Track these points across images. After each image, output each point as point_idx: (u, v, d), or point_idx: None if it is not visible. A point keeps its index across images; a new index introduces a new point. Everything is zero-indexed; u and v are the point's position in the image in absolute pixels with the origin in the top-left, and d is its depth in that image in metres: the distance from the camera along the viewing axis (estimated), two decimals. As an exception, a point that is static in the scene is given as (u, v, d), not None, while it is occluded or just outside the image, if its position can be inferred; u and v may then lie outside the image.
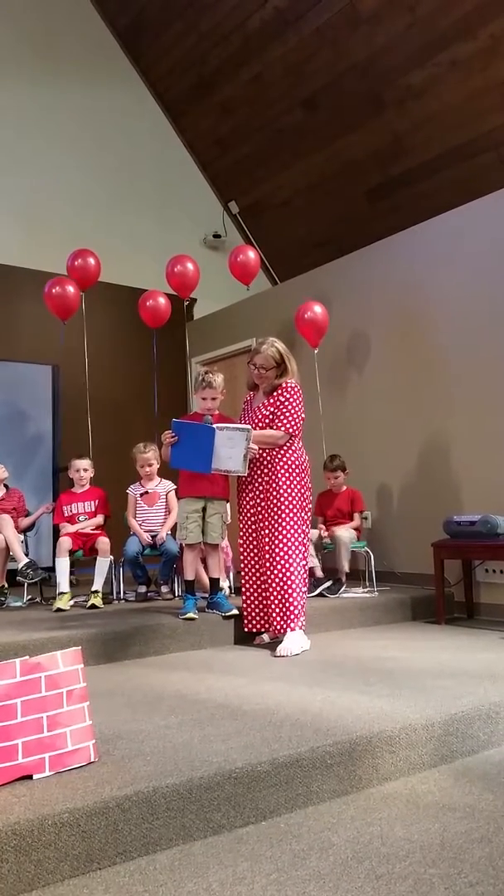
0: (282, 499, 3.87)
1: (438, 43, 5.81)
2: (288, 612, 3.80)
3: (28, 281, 6.39)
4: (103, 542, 4.74)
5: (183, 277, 5.80)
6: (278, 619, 3.83)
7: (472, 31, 5.60)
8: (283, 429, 3.92)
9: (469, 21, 5.58)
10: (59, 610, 4.46)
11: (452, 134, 6.15)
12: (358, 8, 6.05)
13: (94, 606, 4.52)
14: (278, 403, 3.97)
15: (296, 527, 3.88)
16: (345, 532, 5.10)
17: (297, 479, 3.93)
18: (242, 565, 4.05)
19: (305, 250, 7.65)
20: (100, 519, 4.96)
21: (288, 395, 3.97)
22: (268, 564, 3.88)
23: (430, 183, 6.50)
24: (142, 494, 5.02)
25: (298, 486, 3.93)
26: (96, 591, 4.62)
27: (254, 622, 4.01)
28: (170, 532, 4.89)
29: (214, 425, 3.84)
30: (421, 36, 5.87)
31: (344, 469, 5.37)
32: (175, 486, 4.85)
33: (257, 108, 7.30)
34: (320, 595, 4.93)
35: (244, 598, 4.04)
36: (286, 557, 3.83)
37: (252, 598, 4.01)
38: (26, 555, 4.80)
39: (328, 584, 4.99)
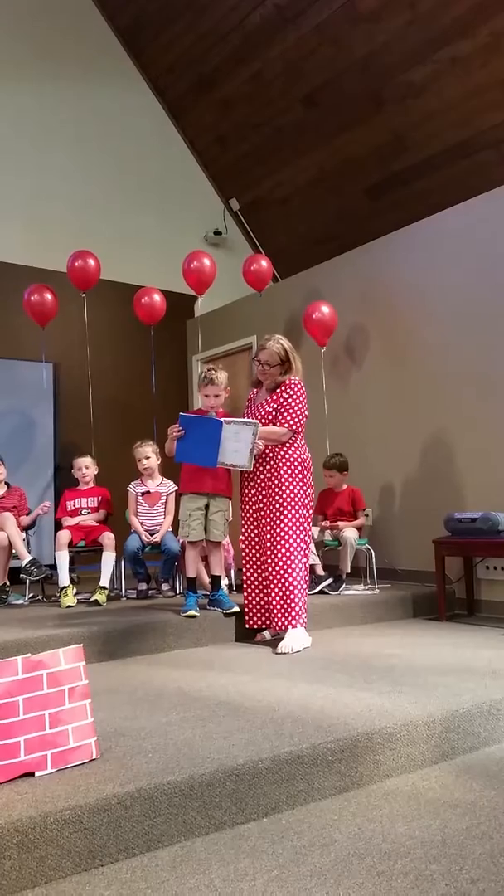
0: (284, 496, 3.88)
1: (439, 40, 5.80)
2: (289, 609, 3.81)
3: (29, 279, 6.39)
4: (108, 537, 4.75)
5: (200, 273, 5.84)
6: (280, 616, 3.83)
7: (473, 28, 5.59)
8: (286, 426, 3.92)
9: (469, 18, 5.56)
10: (69, 607, 4.47)
11: (453, 131, 6.13)
12: (358, 5, 6.04)
13: (95, 602, 4.52)
14: (282, 400, 3.97)
15: (297, 524, 3.88)
16: (351, 532, 5.10)
17: (300, 476, 3.94)
18: (244, 562, 4.06)
19: (306, 247, 7.64)
20: (101, 514, 4.97)
21: (291, 392, 3.98)
22: (269, 561, 3.88)
23: (430, 180, 6.49)
24: (143, 493, 5.02)
25: (300, 484, 3.93)
26: (103, 587, 4.63)
27: (255, 619, 4.02)
28: (170, 529, 4.89)
29: (221, 419, 3.85)
30: (421, 33, 5.85)
31: (341, 469, 5.35)
32: (176, 487, 4.85)
33: (257, 105, 7.29)
34: (321, 592, 4.93)
35: (245, 594, 4.04)
36: (288, 554, 3.83)
37: (253, 594, 4.01)
38: (29, 552, 4.80)
39: (328, 581, 4.99)
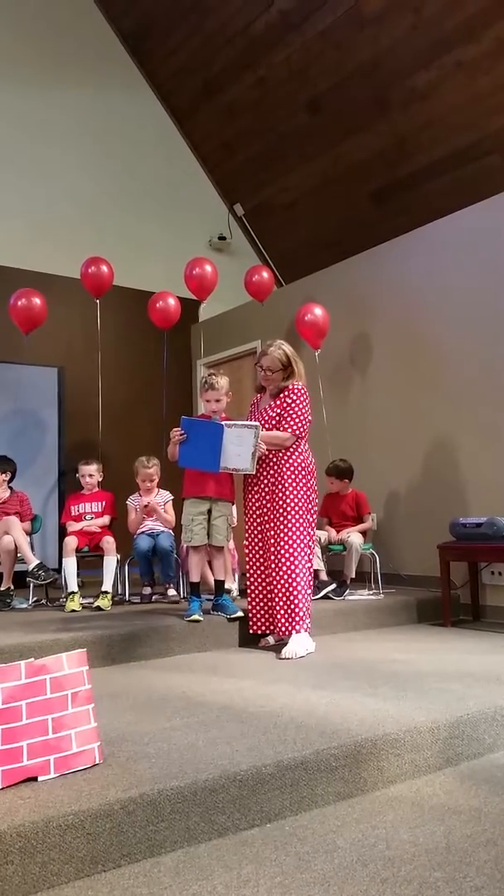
0: (288, 501, 3.87)
1: (443, 44, 5.81)
2: (293, 615, 3.80)
3: (33, 284, 6.40)
4: (108, 542, 4.76)
5: (201, 280, 5.86)
6: (283, 621, 3.82)
7: (477, 32, 5.60)
8: (289, 430, 3.92)
9: (474, 23, 5.57)
10: (73, 611, 4.47)
11: (458, 136, 6.14)
12: (362, 10, 6.05)
13: (98, 608, 4.51)
14: (285, 405, 3.97)
15: (301, 529, 3.87)
16: (357, 537, 5.09)
17: (304, 481, 3.93)
18: (248, 567, 4.05)
19: (310, 252, 7.65)
20: (106, 519, 4.97)
21: (294, 398, 3.98)
22: (273, 566, 3.88)
23: (435, 185, 6.49)
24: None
25: (304, 489, 3.93)
26: (106, 592, 4.62)
27: (259, 624, 4.01)
28: (170, 532, 4.92)
29: (223, 422, 3.85)
30: (426, 38, 5.86)
31: (339, 475, 5.33)
32: (172, 497, 4.88)
33: (262, 110, 7.31)
34: (325, 597, 4.92)
35: (249, 599, 4.04)
36: (292, 559, 3.83)
37: (257, 600, 4.01)
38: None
39: (332, 587, 4.98)
